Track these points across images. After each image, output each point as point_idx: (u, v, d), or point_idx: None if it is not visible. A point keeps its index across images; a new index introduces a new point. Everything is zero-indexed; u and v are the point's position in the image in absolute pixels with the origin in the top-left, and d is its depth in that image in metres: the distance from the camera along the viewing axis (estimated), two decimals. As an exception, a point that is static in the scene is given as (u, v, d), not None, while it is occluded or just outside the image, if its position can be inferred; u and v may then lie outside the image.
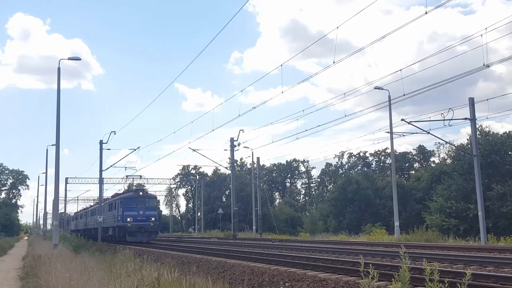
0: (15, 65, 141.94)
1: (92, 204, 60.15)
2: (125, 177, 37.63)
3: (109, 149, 41.32)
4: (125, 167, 42.99)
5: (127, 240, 30.58)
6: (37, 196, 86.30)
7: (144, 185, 55.94)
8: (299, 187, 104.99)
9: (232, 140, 40.81)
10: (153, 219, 32.07)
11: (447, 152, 55.65)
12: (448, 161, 51.39)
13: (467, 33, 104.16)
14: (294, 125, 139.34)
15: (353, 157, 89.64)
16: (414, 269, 9.70)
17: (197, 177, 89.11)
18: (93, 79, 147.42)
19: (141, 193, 33.40)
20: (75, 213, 68.89)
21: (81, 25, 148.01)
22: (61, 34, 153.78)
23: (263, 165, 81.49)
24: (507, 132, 40.37)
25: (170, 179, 77.01)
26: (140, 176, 37.56)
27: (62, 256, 16.22)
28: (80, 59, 25.46)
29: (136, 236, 31.18)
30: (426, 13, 14.89)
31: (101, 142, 37.58)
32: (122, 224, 31.85)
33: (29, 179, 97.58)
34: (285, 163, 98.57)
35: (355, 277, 9.51)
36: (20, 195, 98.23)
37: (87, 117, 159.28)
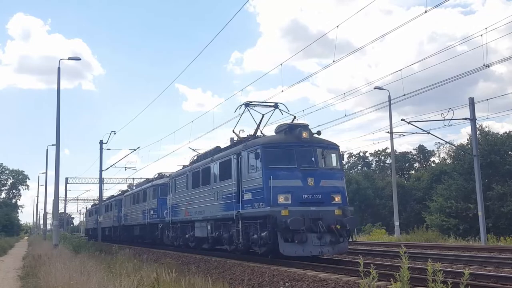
0: (16, 65, 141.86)
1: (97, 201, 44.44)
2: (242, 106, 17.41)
3: (109, 149, 41.29)
4: (125, 167, 42.94)
5: (283, 253, 12.59)
6: (37, 196, 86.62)
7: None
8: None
9: (232, 140, 40.78)
10: (338, 198, 13.63)
11: (447, 152, 55.56)
12: (448, 161, 51.35)
13: (467, 33, 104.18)
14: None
15: (353, 157, 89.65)
16: (414, 269, 9.71)
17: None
18: (94, 79, 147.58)
19: (304, 134, 13.97)
20: (93, 205, 54.70)
21: (81, 25, 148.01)
22: (61, 34, 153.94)
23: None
24: (507, 132, 40.37)
25: (171, 179, 76.30)
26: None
27: (62, 256, 16.20)
28: (80, 59, 25.52)
29: (305, 241, 12.57)
30: (425, 11, 14.89)
31: (101, 142, 37.59)
32: (267, 212, 12.93)
33: (29, 179, 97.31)
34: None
35: (355, 277, 9.50)
36: (20, 195, 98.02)
37: (87, 117, 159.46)
